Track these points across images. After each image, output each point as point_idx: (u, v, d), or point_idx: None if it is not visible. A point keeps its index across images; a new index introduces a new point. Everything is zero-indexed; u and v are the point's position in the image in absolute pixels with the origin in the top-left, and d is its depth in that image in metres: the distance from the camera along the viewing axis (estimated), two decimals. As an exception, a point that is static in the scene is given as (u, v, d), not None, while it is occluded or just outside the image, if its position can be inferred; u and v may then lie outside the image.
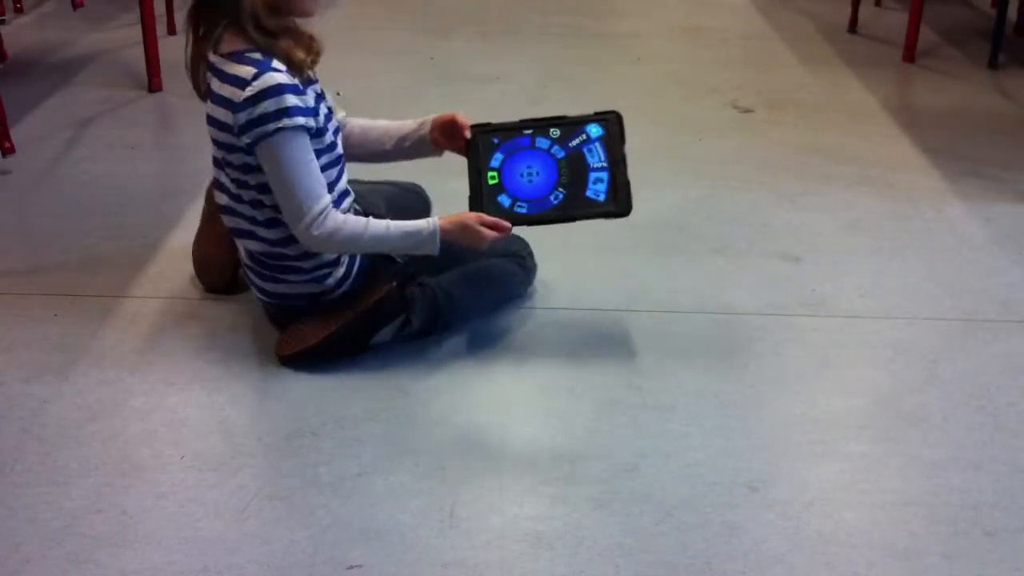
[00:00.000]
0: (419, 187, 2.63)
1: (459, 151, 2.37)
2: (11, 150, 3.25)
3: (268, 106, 2.06)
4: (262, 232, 2.22)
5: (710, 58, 4.50)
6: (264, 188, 2.16)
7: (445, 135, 2.38)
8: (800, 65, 4.39)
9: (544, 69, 4.26)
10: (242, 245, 2.28)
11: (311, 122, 2.12)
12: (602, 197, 2.28)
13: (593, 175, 2.29)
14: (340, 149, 2.27)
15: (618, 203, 2.28)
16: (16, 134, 3.34)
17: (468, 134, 2.34)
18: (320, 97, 2.23)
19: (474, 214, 2.23)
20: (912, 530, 1.83)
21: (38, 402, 2.12)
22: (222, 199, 2.26)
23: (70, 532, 1.77)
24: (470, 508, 1.85)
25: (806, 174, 3.29)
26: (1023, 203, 3.11)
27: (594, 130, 2.33)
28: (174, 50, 4.17)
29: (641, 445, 2.02)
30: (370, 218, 2.20)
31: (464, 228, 2.21)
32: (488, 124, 2.37)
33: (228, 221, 2.28)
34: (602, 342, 2.38)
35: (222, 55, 2.13)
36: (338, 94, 2.49)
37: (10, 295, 2.51)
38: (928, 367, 2.30)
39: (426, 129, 2.40)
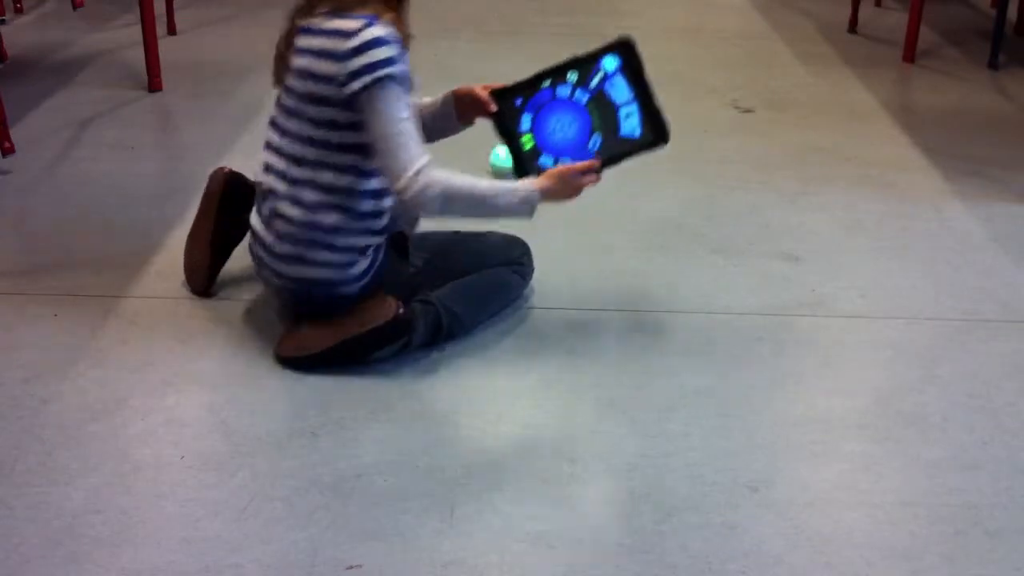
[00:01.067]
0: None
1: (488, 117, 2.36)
2: (11, 150, 3.25)
3: (378, 53, 2.09)
4: (308, 195, 2.17)
5: (710, 58, 4.50)
6: (344, 148, 2.15)
7: (469, 108, 2.38)
8: (800, 65, 4.39)
9: (544, 69, 4.25)
10: (276, 214, 2.22)
11: (409, 83, 2.15)
12: (637, 132, 2.25)
13: (622, 111, 2.25)
14: None
15: (656, 132, 2.25)
16: (16, 134, 3.34)
17: (494, 108, 2.32)
18: None
19: (561, 165, 2.26)
20: (912, 530, 1.83)
21: (38, 402, 2.12)
22: (271, 158, 2.23)
23: (70, 532, 1.77)
24: (470, 508, 1.85)
25: (806, 174, 3.29)
26: (1023, 203, 3.11)
27: (609, 63, 2.27)
28: (174, 50, 4.21)
29: (641, 445, 2.02)
30: (465, 174, 2.19)
31: (559, 178, 2.23)
32: (505, 87, 2.33)
33: (270, 182, 2.23)
34: (602, 342, 2.38)
35: (321, 14, 2.16)
36: None
37: (10, 295, 2.51)
38: (928, 367, 2.30)
39: (450, 106, 2.40)
